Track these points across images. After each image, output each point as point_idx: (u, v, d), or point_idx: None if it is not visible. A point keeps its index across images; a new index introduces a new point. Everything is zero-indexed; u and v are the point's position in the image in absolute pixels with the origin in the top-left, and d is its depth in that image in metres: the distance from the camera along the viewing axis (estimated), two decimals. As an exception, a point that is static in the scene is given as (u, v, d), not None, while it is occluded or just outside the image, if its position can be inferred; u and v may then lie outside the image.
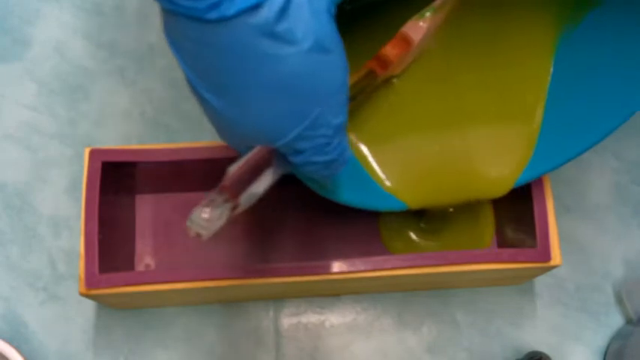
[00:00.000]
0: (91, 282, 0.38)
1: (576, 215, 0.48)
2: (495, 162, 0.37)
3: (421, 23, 0.34)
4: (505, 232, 0.45)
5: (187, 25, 0.25)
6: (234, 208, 0.29)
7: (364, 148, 0.37)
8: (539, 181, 0.40)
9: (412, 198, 0.37)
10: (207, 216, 0.29)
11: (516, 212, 0.43)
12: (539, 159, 0.36)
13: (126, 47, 0.50)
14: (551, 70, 0.35)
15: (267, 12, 0.24)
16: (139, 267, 0.45)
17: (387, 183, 0.37)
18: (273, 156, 0.30)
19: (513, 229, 0.44)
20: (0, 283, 0.45)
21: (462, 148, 0.37)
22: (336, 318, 0.46)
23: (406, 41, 0.34)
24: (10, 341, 0.40)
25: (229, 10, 0.24)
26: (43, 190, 0.47)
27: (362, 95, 0.34)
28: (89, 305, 0.45)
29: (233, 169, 0.30)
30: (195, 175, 0.42)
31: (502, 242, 0.45)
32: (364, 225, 0.45)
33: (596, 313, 0.46)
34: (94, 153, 0.39)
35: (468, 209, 0.46)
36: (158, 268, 0.44)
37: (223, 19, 0.24)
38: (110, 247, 0.40)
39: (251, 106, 0.28)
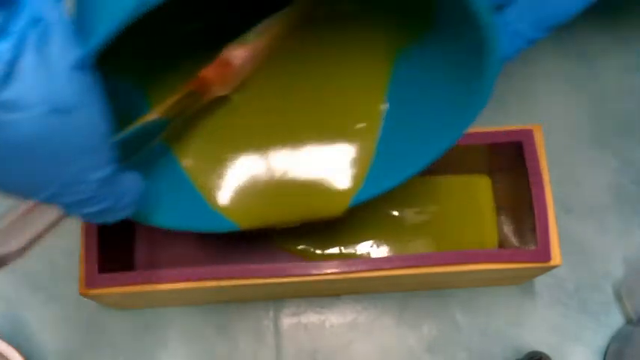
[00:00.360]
0: (91, 282, 0.38)
1: (576, 215, 0.48)
2: (329, 183, 0.37)
3: (242, 47, 0.33)
4: (505, 232, 0.45)
5: None
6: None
7: (195, 168, 0.36)
8: (539, 181, 0.40)
9: (244, 218, 0.37)
10: None
11: (516, 212, 0.43)
12: (373, 181, 0.36)
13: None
14: (386, 97, 0.35)
15: None
16: (139, 267, 0.45)
17: (218, 203, 0.36)
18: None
19: (513, 229, 0.44)
20: (0, 284, 0.45)
21: (296, 168, 0.37)
22: (336, 318, 0.46)
23: (226, 64, 0.33)
24: (10, 341, 0.40)
25: None
26: (43, 190, 0.47)
27: (184, 115, 0.33)
28: (89, 305, 0.45)
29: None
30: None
31: (502, 242, 0.45)
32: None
33: (596, 313, 0.46)
34: (94, 153, 0.39)
35: (470, 210, 0.46)
36: (158, 268, 0.44)
37: None
38: (110, 247, 0.40)
39: None
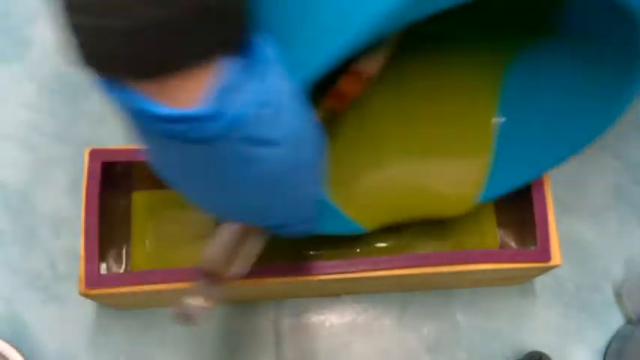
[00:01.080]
0: (91, 282, 0.38)
1: (576, 215, 0.48)
2: (453, 187, 0.38)
3: (373, 59, 0.35)
4: (505, 232, 0.45)
5: (170, 143, 0.24)
6: (224, 283, 0.30)
7: (331, 179, 0.37)
8: (539, 182, 0.40)
9: (371, 222, 0.38)
10: (200, 304, 0.29)
11: (516, 212, 0.43)
12: (495, 184, 0.37)
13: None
14: (498, 106, 0.37)
15: (252, 123, 0.24)
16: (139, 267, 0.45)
17: (348, 210, 0.38)
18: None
19: (513, 229, 0.44)
20: (0, 284, 0.45)
21: (420, 176, 0.38)
22: (336, 318, 0.46)
23: (358, 77, 0.35)
24: (10, 341, 0.40)
25: (213, 129, 0.23)
26: (43, 190, 0.47)
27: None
28: (89, 305, 0.45)
29: (210, 251, 0.30)
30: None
31: (502, 242, 0.45)
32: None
33: (596, 313, 0.46)
34: (94, 153, 0.39)
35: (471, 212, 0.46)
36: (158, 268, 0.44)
37: (207, 140, 0.24)
38: (111, 248, 0.40)
39: (232, 202, 0.27)
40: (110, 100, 0.24)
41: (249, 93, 0.24)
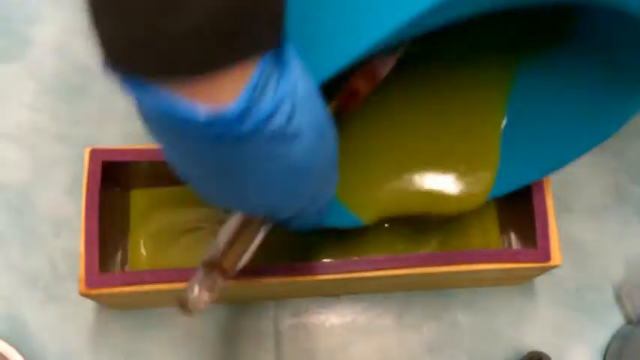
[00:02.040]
0: (91, 282, 0.38)
1: (576, 215, 0.48)
2: (462, 187, 0.39)
3: (389, 58, 0.35)
4: (505, 233, 0.45)
5: (197, 143, 0.24)
6: (226, 274, 0.30)
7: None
8: (539, 182, 0.40)
9: (371, 217, 0.39)
10: (200, 295, 0.29)
11: (516, 212, 0.43)
12: (501, 183, 0.38)
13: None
14: (506, 109, 0.37)
15: (280, 118, 0.24)
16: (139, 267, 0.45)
17: (350, 204, 0.38)
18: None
19: (514, 230, 0.44)
20: (0, 284, 0.45)
21: (429, 177, 0.39)
22: (336, 318, 0.46)
23: (372, 75, 0.35)
24: (10, 341, 0.40)
25: (246, 128, 0.23)
26: (44, 190, 0.47)
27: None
28: (89, 305, 0.45)
29: (221, 243, 0.30)
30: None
31: (503, 242, 0.45)
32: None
33: (596, 313, 0.46)
34: (94, 153, 0.39)
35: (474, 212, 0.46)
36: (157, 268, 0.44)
37: (240, 139, 0.24)
38: (110, 247, 0.40)
39: (253, 197, 0.28)
40: (137, 102, 0.24)
41: (276, 89, 0.24)
